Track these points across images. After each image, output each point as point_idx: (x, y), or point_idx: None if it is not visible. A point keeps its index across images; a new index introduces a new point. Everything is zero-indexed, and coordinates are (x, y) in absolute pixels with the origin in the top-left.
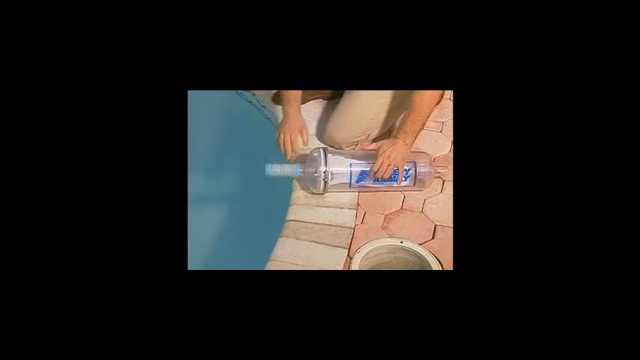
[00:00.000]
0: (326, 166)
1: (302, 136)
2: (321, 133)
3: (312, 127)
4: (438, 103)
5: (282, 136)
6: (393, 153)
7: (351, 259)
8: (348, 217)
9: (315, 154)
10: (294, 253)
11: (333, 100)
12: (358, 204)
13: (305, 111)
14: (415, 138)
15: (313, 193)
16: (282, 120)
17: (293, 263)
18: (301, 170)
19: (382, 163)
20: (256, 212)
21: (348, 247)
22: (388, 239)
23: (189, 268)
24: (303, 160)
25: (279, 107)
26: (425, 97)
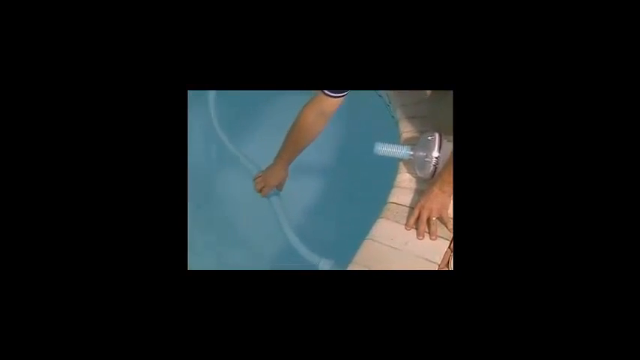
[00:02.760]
0: (439, 151)
1: (277, 188)
2: (436, 118)
3: (426, 109)
4: None
5: (259, 181)
6: (428, 203)
7: (452, 251)
8: (451, 207)
9: (429, 138)
10: (391, 236)
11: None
12: None
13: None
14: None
15: (420, 178)
16: (269, 166)
17: (389, 246)
18: (411, 153)
19: (418, 215)
20: (357, 190)
21: (450, 238)
22: None
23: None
24: (415, 142)
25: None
26: None
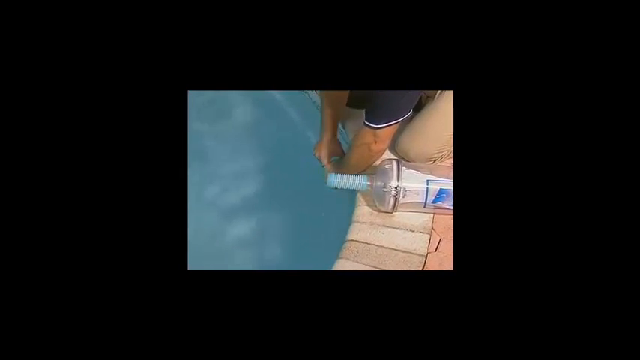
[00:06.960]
0: (398, 181)
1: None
2: (392, 144)
3: None
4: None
5: (317, 154)
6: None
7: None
8: (419, 243)
9: (386, 167)
10: None
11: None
12: (433, 228)
13: None
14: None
15: (380, 211)
16: (320, 141)
17: None
18: (368, 183)
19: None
20: (315, 228)
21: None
22: None
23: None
24: (372, 172)
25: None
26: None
